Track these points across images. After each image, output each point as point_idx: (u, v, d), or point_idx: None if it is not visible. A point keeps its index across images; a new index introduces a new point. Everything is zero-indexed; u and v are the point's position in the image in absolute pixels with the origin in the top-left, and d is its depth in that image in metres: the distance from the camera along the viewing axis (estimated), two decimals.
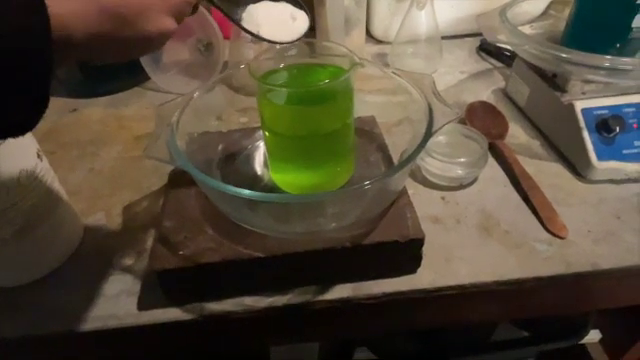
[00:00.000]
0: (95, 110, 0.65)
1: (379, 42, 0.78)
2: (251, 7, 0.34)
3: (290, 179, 0.42)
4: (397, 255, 0.37)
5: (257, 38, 0.34)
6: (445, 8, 0.71)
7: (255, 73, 0.36)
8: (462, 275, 0.39)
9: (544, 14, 0.75)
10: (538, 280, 0.39)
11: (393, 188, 0.38)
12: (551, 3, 0.75)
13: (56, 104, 0.66)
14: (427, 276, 0.39)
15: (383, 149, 0.46)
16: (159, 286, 0.37)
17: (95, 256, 0.42)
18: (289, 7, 0.36)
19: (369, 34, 0.78)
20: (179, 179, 0.42)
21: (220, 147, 0.47)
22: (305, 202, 0.36)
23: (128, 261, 0.41)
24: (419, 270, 0.39)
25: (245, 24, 0.34)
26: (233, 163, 0.46)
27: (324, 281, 0.38)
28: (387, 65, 0.70)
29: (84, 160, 0.54)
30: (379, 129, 0.49)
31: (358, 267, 0.38)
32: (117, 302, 0.38)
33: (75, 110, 0.65)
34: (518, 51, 0.53)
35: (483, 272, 0.39)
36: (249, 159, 0.46)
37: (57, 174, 0.41)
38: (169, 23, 0.27)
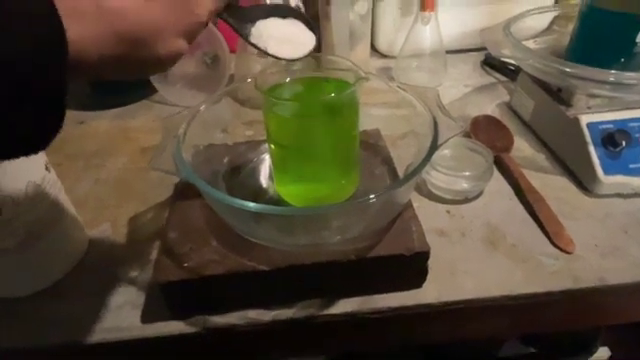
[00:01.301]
0: (102, 122, 0.65)
1: (384, 56, 0.79)
2: (260, 23, 0.34)
3: (295, 192, 0.42)
4: (402, 268, 0.37)
5: (264, 54, 0.34)
6: (449, 23, 0.71)
7: (261, 86, 0.37)
8: (468, 289, 0.38)
9: (548, 29, 0.76)
10: (545, 295, 0.38)
11: (398, 201, 0.38)
12: (555, 18, 0.75)
13: None
14: (433, 290, 0.38)
15: (388, 162, 0.46)
16: (163, 298, 0.37)
17: (100, 267, 0.42)
18: (298, 24, 0.36)
19: (374, 48, 0.79)
20: (184, 191, 0.43)
21: (226, 159, 0.47)
22: (310, 215, 0.35)
23: (133, 272, 0.41)
24: (424, 284, 0.39)
25: (253, 39, 0.34)
26: (238, 176, 0.46)
27: (329, 294, 0.38)
28: (392, 79, 0.71)
29: (90, 171, 0.55)
30: (384, 142, 0.49)
31: (363, 280, 0.38)
32: (121, 314, 0.38)
33: (82, 122, 0.65)
34: (523, 65, 0.53)
35: (489, 286, 0.38)
36: (254, 172, 0.47)
37: (63, 185, 0.41)
38: (181, 44, 0.27)
